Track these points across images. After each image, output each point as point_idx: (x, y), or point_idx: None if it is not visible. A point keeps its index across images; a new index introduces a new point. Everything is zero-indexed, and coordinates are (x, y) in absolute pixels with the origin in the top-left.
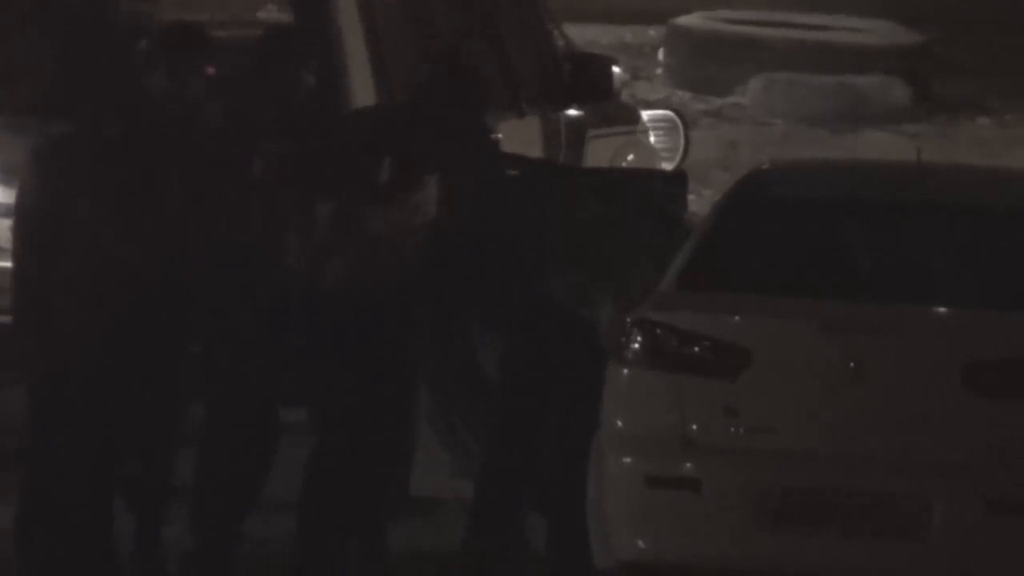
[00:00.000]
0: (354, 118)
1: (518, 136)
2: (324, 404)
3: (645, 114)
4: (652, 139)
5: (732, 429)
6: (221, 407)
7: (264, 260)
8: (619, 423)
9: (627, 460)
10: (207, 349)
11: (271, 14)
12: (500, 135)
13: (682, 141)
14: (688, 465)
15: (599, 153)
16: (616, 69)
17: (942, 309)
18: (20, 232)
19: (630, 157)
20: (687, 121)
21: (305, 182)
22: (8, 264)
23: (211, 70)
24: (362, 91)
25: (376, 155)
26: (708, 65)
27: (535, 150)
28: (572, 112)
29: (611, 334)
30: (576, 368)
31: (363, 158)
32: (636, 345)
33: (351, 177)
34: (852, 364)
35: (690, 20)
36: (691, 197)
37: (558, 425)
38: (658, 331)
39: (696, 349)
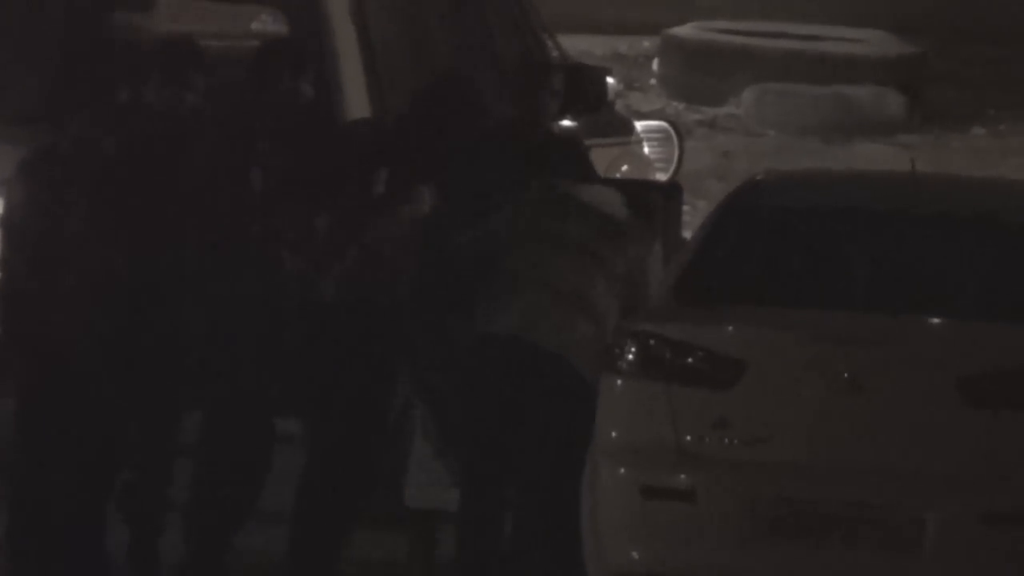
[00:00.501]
0: (351, 128)
1: None
2: (318, 414)
3: (639, 125)
4: (646, 150)
5: (726, 440)
6: (217, 417)
7: (259, 270)
8: (613, 434)
9: (621, 471)
10: (203, 360)
11: (265, 25)
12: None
13: (676, 152)
14: (682, 476)
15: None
16: (610, 80)
17: (938, 320)
18: (8, 243)
19: (624, 168)
20: (681, 132)
21: (300, 192)
22: None
23: (205, 81)
24: (356, 101)
25: (372, 165)
26: (702, 76)
27: None
28: (566, 123)
29: (588, 355)
30: (541, 394)
31: (359, 168)
32: (630, 356)
33: (346, 187)
34: (847, 375)
35: (684, 31)
36: (685, 208)
37: (536, 440)
38: (652, 342)
39: (690, 360)
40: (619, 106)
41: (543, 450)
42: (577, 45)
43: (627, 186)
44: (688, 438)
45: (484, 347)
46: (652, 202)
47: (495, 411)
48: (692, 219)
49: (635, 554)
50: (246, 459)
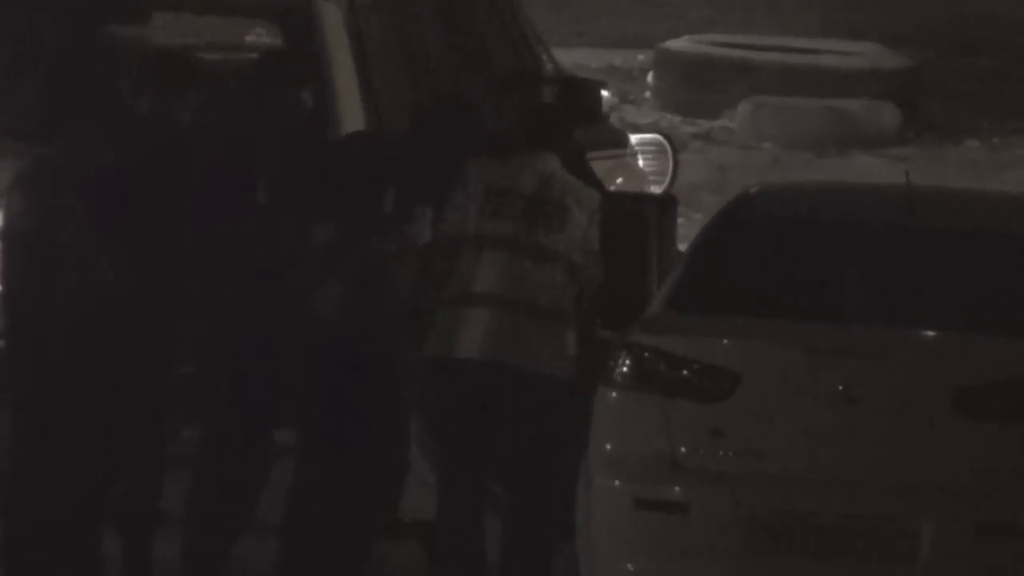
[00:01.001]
0: (352, 144)
1: None
2: (315, 427)
3: (634, 138)
4: (641, 163)
5: (720, 452)
6: (216, 429)
7: (258, 281)
8: (608, 446)
9: (616, 483)
10: (203, 372)
11: (260, 38)
12: None
13: (671, 165)
14: (676, 488)
15: None
16: (605, 93)
17: (931, 332)
18: (8, 256)
19: (619, 180)
20: (676, 145)
21: (296, 204)
22: None
23: (200, 94)
24: (350, 113)
25: (375, 182)
26: (697, 89)
27: None
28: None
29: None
30: (519, 412)
31: (361, 185)
32: (625, 368)
33: (348, 203)
34: (841, 387)
35: (679, 44)
36: (680, 221)
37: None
38: (646, 354)
39: (685, 372)
40: (614, 119)
41: (528, 462)
42: (572, 58)
43: (622, 199)
44: (683, 450)
45: (454, 372)
46: (646, 214)
47: (472, 431)
48: (687, 232)
49: (629, 566)
50: (247, 470)
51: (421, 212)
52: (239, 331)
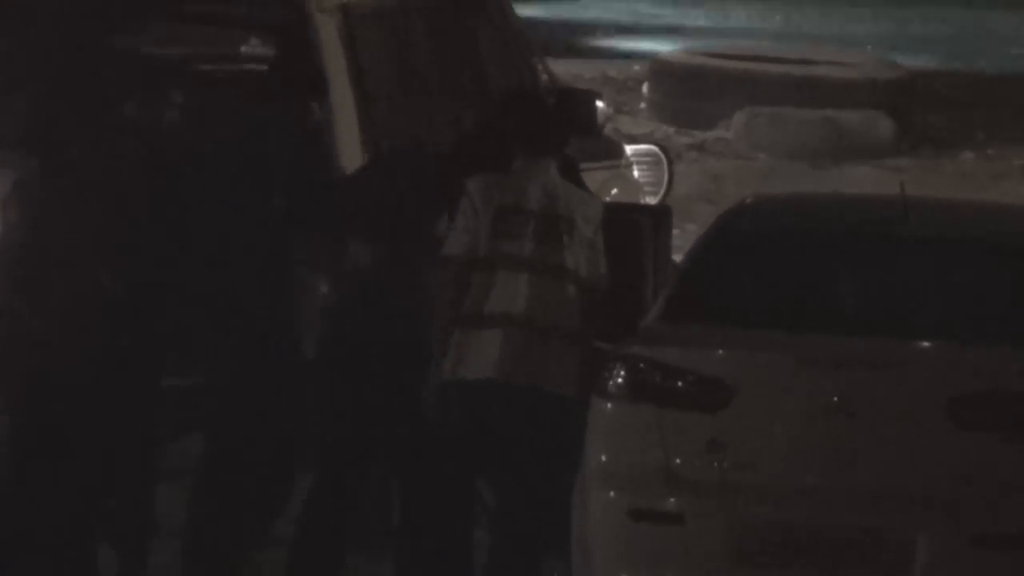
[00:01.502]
0: (380, 157)
1: None
2: (327, 440)
3: (629, 148)
4: (636, 173)
5: (716, 463)
6: (224, 439)
7: (263, 291)
8: (603, 457)
9: (611, 494)
10: (212, 380)
11: (255, 48)
12: None
13: (666, 175)
14: (671, 499)
15: None
16: (600, 103)
17: (926, 343)
18: (4, 265)
19: (614, 191)
20: (671, 155)
21: (298, 214)
22: None
23: (196, 103)
24: (346, 124)
25: (385, 203)
26: (692, 99)
27: None
28: None
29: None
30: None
31: (371, 205)
32: (620, 380)
33: (357, 222)
34: (836, 399)
35: (674, 55)
36: (675, 231)
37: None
38: (641, 365)
39: (680, 383)
40: (609, 130)
41: (525, 476)
42: (567, 69)
43: (617, 209)
44: (677, 461)
45: (466, 392)
46: (641, 225)
47: (476, 447)
48: (682, 242)
49: None
50: (261, 482)
51: (430, 231)
52: (250, 343)
